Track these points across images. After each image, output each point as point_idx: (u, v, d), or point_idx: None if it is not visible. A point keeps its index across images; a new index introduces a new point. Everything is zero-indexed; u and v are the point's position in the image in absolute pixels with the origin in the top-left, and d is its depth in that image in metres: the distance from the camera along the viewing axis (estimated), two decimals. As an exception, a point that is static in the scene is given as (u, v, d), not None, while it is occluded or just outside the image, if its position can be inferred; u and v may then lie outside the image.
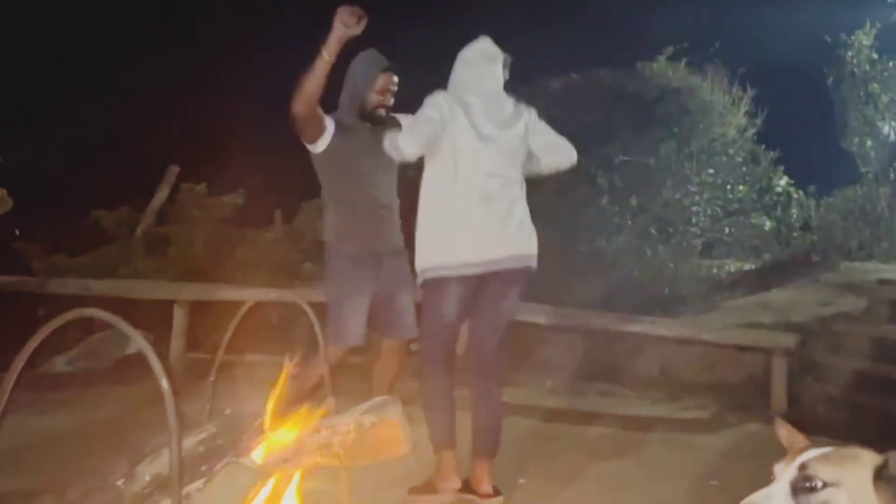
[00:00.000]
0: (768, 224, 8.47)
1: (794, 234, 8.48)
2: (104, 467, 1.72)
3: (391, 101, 3.25)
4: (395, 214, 3.34)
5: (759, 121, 8.58)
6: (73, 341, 5.89)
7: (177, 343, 4.98)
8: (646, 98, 8.29)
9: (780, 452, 3.93)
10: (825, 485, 1.19)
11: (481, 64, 2.99)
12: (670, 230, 7.88)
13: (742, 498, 1.25)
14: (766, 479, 1.45)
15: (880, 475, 1.18)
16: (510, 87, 3.27)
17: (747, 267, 7.90)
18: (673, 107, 8.14)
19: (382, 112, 3.22)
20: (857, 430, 4.36)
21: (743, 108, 8.64)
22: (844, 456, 1.23)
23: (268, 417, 1.60)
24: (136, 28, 11.28)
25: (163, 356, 1.39)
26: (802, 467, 1.22)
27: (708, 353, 5.38)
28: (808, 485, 1.20)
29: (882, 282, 5.99)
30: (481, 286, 2.89)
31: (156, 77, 10.88)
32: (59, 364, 5.58)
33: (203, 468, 1.48)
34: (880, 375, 4.83)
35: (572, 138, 3.10)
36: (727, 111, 8.53)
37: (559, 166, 3.07)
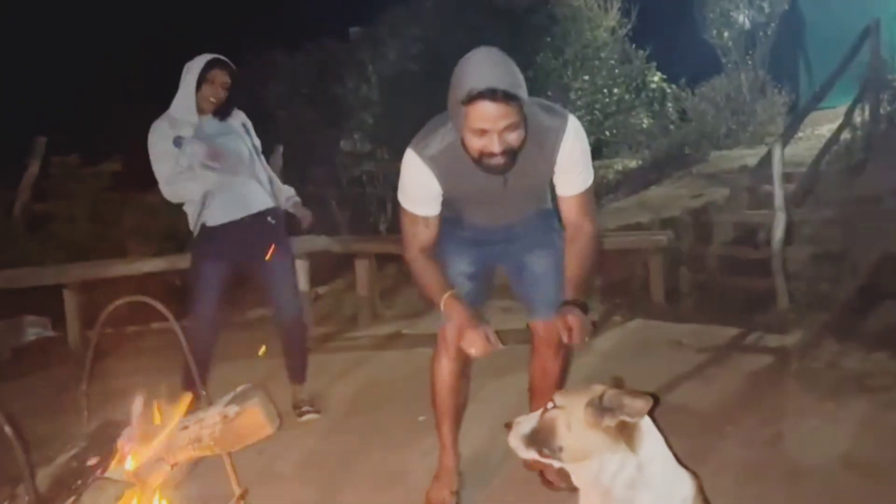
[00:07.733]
0: (646, 121, 8.84)
1: (671, 128, 8.87)
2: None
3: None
4: None
5: (632, 17, 8.79)
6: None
7: (73, 326, 4.92)
8: (518, 10, 8.34)
9: (655, 348, 4.23)
10: (555, 406, 1.55)
11: None
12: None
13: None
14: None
15: (591, 403, 1.48)
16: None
17: (633, 164, 8.28)
18: (544, 17, 8.24)
19: None
20: (724, 311, 4.80)
21: (614, 10, 8.82)
22: (580, 390, 1.55)
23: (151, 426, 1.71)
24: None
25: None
26: (552, 399, 1.59)
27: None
28: (547, 406, 1.57)
29: (742, 168, 6.43)
30: None
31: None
32: None
33: (77, 483, 1.59)
34: (741, 258, 5.30)
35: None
36: (597, 16, 8.71)
37: None
